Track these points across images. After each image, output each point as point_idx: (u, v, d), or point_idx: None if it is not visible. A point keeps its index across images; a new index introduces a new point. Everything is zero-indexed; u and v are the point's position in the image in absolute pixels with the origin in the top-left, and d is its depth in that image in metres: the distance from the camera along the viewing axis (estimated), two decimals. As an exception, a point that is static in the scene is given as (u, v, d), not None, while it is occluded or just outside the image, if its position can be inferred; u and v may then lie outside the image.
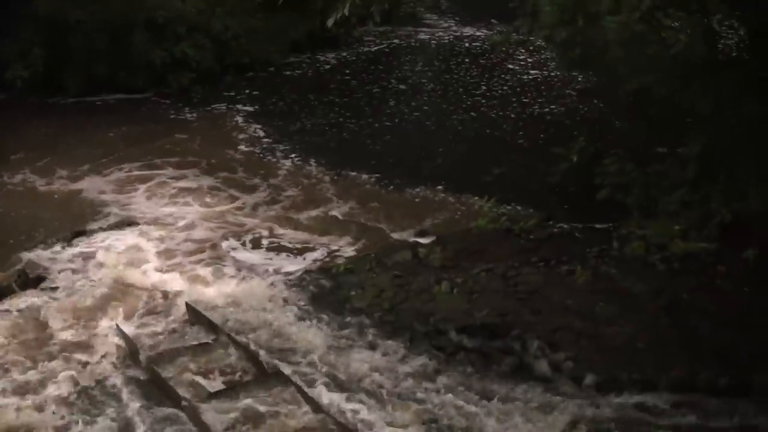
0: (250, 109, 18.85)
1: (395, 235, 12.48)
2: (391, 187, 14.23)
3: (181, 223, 12.99)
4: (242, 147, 16.45)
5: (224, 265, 11.60)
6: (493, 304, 9.74)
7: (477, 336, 9.27)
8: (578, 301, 9.66)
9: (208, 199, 13.97)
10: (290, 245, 12.29)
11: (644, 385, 8.44)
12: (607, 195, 11.74)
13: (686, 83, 10.91)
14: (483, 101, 18.78)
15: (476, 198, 13.23)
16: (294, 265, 11.63)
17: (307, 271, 11.27)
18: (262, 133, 17.20)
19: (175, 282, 11.04)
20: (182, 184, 14.56)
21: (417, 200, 13.81)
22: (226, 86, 20.18)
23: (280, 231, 12.75)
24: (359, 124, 17.64)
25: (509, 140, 16.28)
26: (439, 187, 14.02)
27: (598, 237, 11.25)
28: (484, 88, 19.76)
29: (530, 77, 20.37)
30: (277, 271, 11.39)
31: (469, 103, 18.62)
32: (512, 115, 17.60)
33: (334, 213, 13.39)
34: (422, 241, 11.97)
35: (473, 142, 16.22)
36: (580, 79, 18.50)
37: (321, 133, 17.18)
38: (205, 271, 11.39)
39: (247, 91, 19.99)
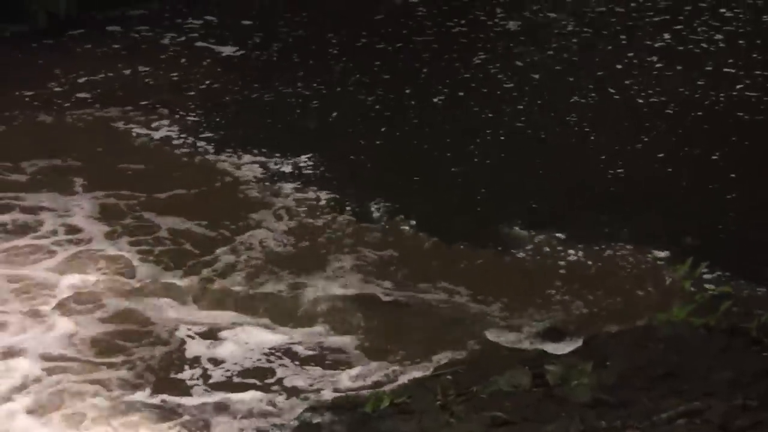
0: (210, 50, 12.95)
1: (493, 335, 8.07)
2: (482, 236, 9.18)
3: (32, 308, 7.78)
4: (165, 131, 10.78)
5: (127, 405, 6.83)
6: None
7: None
8: None
9: (95, 253, 8.61)
10: (268, 354, 7.73)
11: None
12: None
13: None
14: (644, 65, 12.54)
15: (660, 260, 8.59)
16: (282, 398, 7.23)
17: (312, 409, 6.92)
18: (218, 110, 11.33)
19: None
20: (51, 223, 9.05)
21: (532, 263, 8.88)
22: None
23: (246, 320, 7.89)
24: (411, 107, 11.54)
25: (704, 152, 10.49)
26: (579, 235, 9.04)
27: None
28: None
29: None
30: (246, 412, 7.01)
31: (618, 67, 12.53)
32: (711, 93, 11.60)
33: (355, 286, 8.40)
34: (553, 349, 8.02)
35: (633, 158, 10.50)
36: None
37: (340, 119, 11.30)
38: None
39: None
